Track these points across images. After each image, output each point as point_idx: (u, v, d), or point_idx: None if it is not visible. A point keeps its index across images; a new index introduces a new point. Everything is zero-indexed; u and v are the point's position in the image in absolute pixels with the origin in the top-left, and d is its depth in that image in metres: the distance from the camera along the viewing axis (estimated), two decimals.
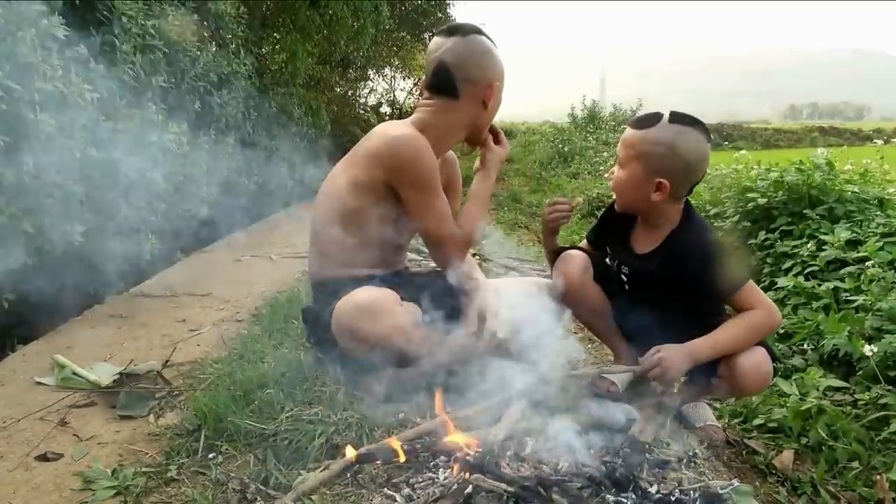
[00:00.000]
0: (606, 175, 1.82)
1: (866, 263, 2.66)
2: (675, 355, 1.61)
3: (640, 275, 1.77)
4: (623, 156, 1.70)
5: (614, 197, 1.80)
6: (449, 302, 1.88)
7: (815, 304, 2.67)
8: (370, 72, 11.67)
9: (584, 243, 1.99)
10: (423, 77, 1.92)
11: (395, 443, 1.42)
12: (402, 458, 1.40)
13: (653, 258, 1.73)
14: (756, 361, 1.62)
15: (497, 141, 1.97)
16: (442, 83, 1.82)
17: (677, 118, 1.64)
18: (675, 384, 1.83)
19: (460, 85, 1.81)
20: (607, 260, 1.89)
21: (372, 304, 1.65)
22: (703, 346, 1.63)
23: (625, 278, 1.83)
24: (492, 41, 1.86)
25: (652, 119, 1.66)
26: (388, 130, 1.83)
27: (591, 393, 1.81)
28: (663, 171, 1.63)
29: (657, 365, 1.61)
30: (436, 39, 1.85)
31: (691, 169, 1.64)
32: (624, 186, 1.72)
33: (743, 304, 1.64)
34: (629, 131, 1.69)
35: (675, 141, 1.61)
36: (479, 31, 1.84)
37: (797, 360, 2.38)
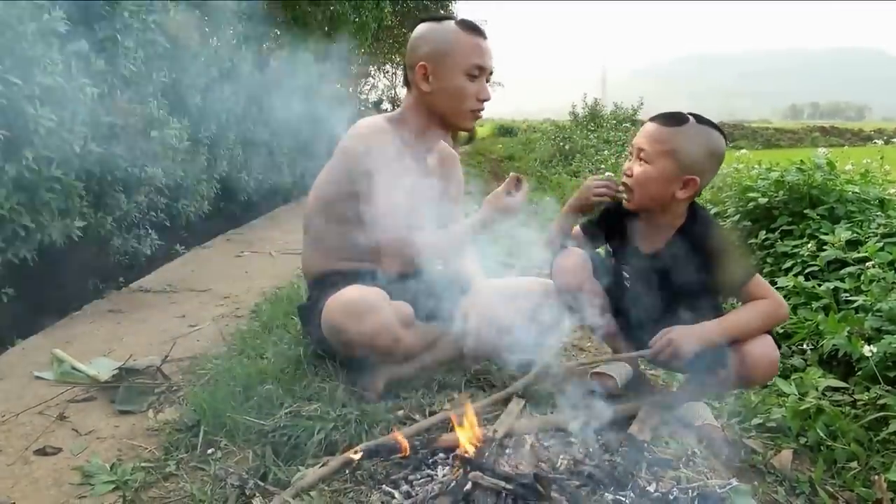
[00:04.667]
0: (624, 167, 1.77)
1: (866, 264, 2.66)
2: (684, 336, 1.62)
3: (646, 273, 1.77)
4: (652, 151, 1.67)
5: (625, 194, 1.76)
6: (443, 301, 1.88)
7: (814, 304, 2.67)
8: (371, 68, 11.65)
9: (576, 230, 1.96)
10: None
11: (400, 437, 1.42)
12: (407, 452, 1.40)
13: (661, 256, 1.73)
14: (765, 348, 1.62)
15: (511, 192, 1.84)
16: (404, 77, 1.92)
17: (702, 119, 1.67)
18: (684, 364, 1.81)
19: (407, 73, 1.87)
20: (602, 249, 1.89)
21: (358, 303, 1.64)
22: (713, 327, 1.64)
23: (626, 275, 1.83)
24: (469, 26, 1.82)
25: (680, 118, 1.67)
26: (357, 123, 1.87)
27: (589, 389, 1.81)
28: (696, 169, 1.65)
29: (668, 346, 1.62)
30: None
31: (715, 169, 1.70)
32: (648, 181, 1.68)
33: (752, 297, 1.66)
34: (658, 127, 1.67)
35: (706, 140, 1.65)
36: (433, 19, 1.87)
37: (796, 360, 2.39)
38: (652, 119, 1.72)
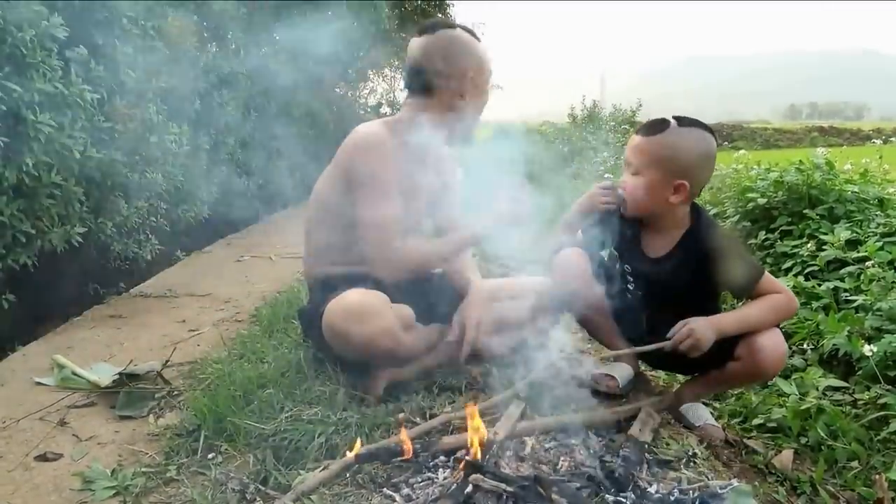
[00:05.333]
0: (620, 180, 1.80)
1: (866, 263, 2.66)
2: (703, 327, 1.63)
3: (653, 278, 1.77)
4: (638, 163, 1.71)
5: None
6: (442, 303, 1.88)
7: (814, 304, 2.67)
8: (370, 72, 11.65)
9: (578, 235, 1.98)
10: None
11: (404, 436, 1.41)
12: (409, 454, 1.39)
13: (668, 261, 1.74)
14: (775, 341, 1.64)
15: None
16: (415, 81, 1.86)
17: (684, 121, 1.68)
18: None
19: (432, 80, 1.83)
20: (605, 257, 1.90)
21: (360, 307, 1.64)
22: (730, 319, 1.65)
23: (630, 278, 1.83)
24: (470, 33, 1.86)
25: (661, 124, 1.69)
26: (357, 128, 1.86)
27: (591, 389, 1.81)
28: (683, 173, 1.66)
29: (688, 336, 1.62)
30: (411, 41, 1.88)
31: (706, 168, 1.70)
32: (641, 192, 1.72)
33: (764, 293, 1.67)
34: (641, 139, 1.71)
35: (689, 143, 1.66)
36: (450, 26, 1.86)
37: (797, 360, 2.38)
38: (637, 130, 1.75)
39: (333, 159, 1.90)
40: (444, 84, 1.82)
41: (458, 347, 1.86)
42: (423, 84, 1.84)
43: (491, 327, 1.87)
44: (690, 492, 1.33)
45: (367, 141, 1.79)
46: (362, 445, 1.42)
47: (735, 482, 1.38)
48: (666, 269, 1.74)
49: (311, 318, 1.83)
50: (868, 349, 2.02)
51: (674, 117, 1.68)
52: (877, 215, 3.30)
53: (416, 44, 1.85)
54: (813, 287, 2.76)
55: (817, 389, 2.02)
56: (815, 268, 2.94)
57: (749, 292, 1.71)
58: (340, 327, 1.65)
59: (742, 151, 4.96)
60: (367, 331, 1.62)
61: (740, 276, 1.66)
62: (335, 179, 1.85)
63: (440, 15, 11.74)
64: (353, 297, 1.66)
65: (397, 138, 1.82)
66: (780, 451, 1.76)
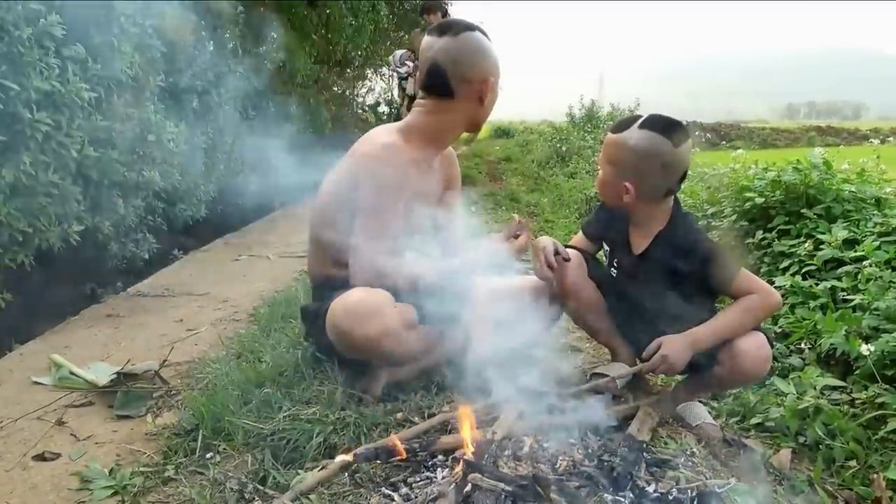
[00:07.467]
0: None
1: (863, 263, 2.66)
2: (677, 348, 1.64)
3: (634, 273, 1.79)
4: (601, 157, 1.79)
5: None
6: (445, 303, 1.88)
7: (812, 304, 2.67)
8: (368, 71, 11.65)
9: (579, 235, 2.00)
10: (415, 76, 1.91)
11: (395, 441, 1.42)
12: (403, 455, 1.40)
13: (645, 257, 1.77)
14: (756, 344, 1.64)
15: (512, 238, 1.83)
16: (436, 83, 1.79)
17: (648, 123, 1.68)
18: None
19: (454, 84, 1.78)
20: (602, 254, 1.91)
21: (363, 306, 1.63)
22: (704, 332, 1.65)
23: (614, 273, 1.85)
24: (485, 35, 1.83)
25: (625, 123, 1.72)
26: (374, 137, 1.84)
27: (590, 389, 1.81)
28: (628, 175, 1.69)
29: (662, 363, 1.64)
30: (427, 39, 1.81)
31: (655, 174, 1.68)
32: (602, 186, 1.80)
33: (740, 293, 1.67)
34: (607, 135, 1.76)
35: (637, 146, 1.66)
36: (470, 28, 1.82)
37: (795, 360, 2.39)
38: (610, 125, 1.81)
39: (343, 161, 1.87)
40: (466, 90, 1.79)
41: (463, 346, 1.85)
42: (443, 88, 1.79)
43: (493, 327, 1.86)
44: (689, 491, 1.33)
45: (384, 154, 1.76)
46: (360, 446, 1.42)
47: (733, 481, 1.39)
48: (644, 266, 1.76)
49: (314, 317, 1.83)
50: (865, 348, 2.02)
51: (646, 117, 1.70)
52: (874, 215, 3.30)
53: (437, 45, 1.78)
54: (810, 286, 2.76)
55: (815, 389, 2.02)
56: (813, 267, 2.95)
57: (725, 292, 1.72)
58: (343, 327, 1.64)
59: (740, 151, 4.95)
60: (370, 330, 1.62)
61: (712, 279, 1.67)
62: (343, 182, 1.82)
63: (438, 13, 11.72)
64: (356, 296, 1.66)
65: (413, 148, 1.80)
66: (779, 451, 1.77)
